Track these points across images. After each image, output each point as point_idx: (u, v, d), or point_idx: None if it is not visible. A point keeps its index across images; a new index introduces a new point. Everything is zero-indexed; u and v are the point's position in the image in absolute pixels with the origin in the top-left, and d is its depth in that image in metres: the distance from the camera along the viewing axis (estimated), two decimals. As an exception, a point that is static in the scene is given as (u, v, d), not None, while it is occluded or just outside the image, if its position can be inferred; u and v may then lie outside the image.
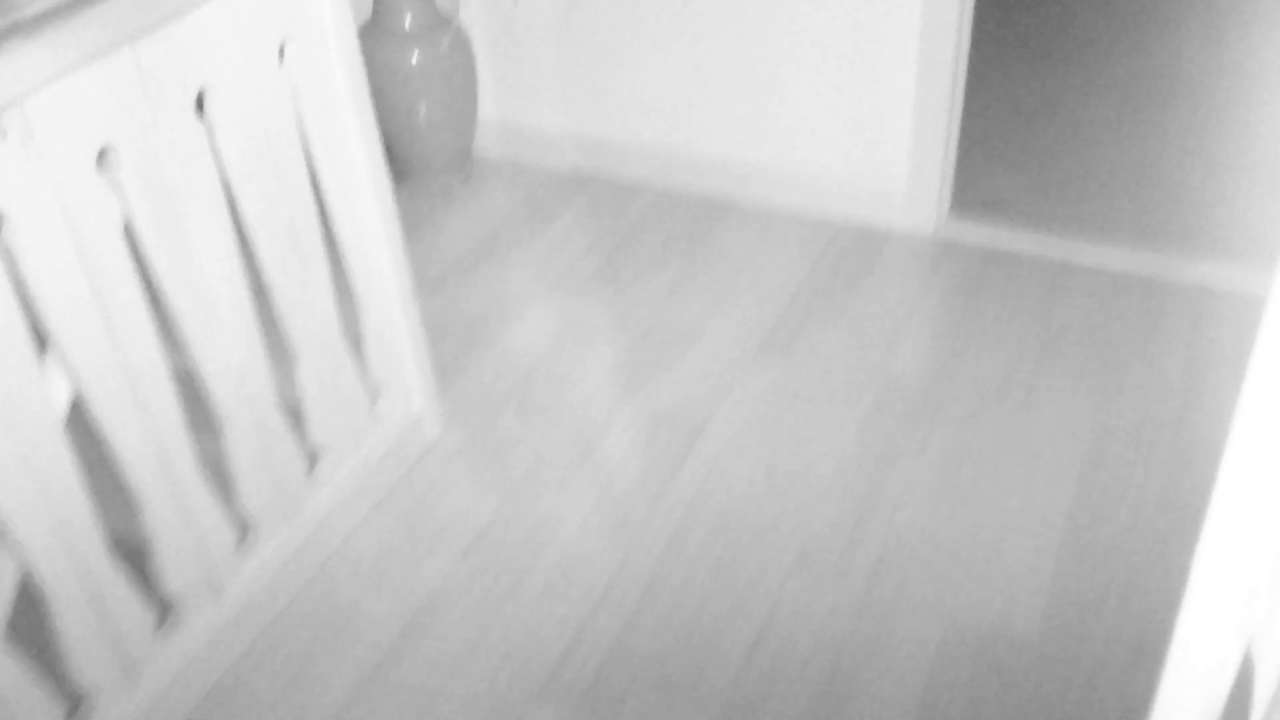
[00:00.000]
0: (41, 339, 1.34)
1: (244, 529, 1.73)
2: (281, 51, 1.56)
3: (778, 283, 2.46)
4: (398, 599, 1.80)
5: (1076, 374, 2.15)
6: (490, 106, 2.94)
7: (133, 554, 1.60)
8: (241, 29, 1.47)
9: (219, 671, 1.68)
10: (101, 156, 1.34)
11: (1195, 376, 2.13)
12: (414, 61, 2.62)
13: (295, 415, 1.83)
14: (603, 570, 1.82)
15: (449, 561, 1.86)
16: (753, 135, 2.68)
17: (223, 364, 1.58)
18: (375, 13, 2.64)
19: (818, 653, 1.67)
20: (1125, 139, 2.89)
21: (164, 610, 1.62)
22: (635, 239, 2.63)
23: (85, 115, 1.29)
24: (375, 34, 2.64)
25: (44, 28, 1.20)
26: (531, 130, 2.91)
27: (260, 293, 1.80)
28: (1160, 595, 1.72)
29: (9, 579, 1.41)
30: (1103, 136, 2.91)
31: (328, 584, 1.83)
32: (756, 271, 2.49)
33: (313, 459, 1.84)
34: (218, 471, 1.74)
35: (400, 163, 2.82)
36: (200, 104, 1.47)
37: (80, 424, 1.53)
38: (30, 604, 1.47)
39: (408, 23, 2.62)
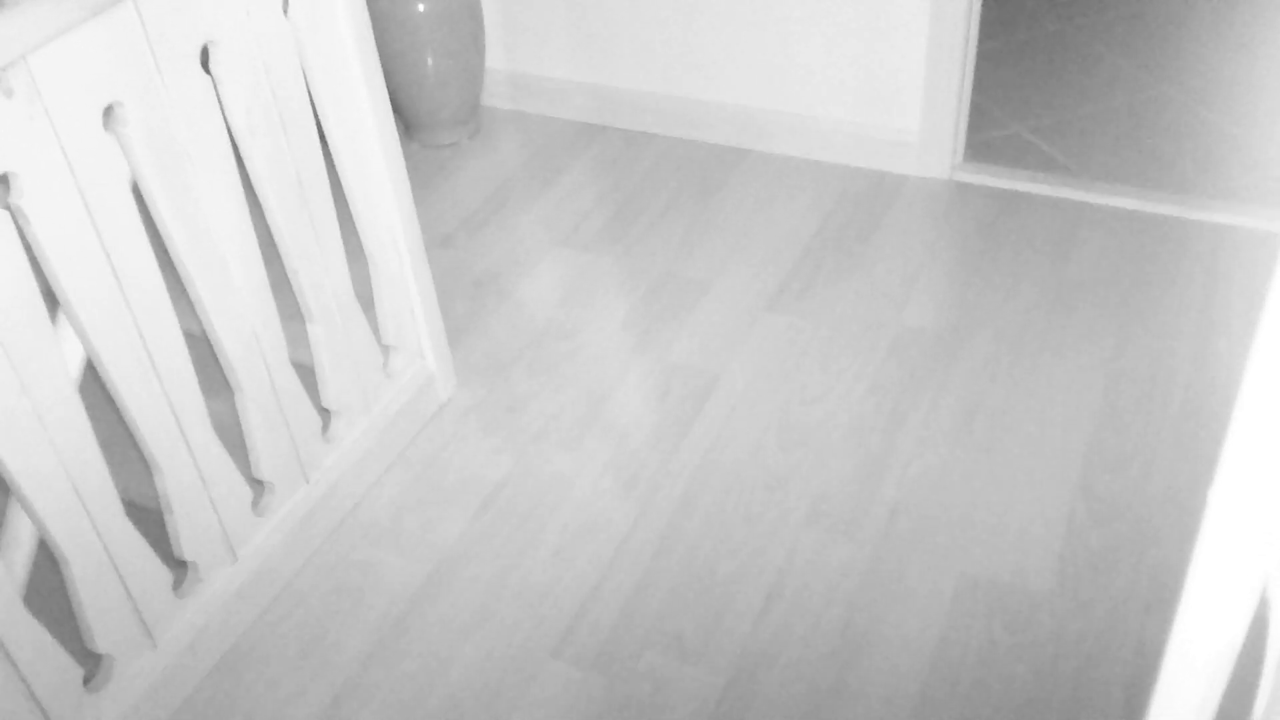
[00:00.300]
0: (54, 300, 1.32)
1: (259, 491, 1.73)
2: (286, 3, 1.53)
3: (790, 232, 2.43)
4: (412, 559, 1.80)
5: (1092, 318, 2.12)
6: (498, 56, 2.89)
7: (149, 517, 1.59)
8: (246, -19, 1.43)
9: (236, 633, 1.69)
10: (108, 113, 1.32)
11: (1213, 316, 2.10)
12: (420, 10, 2.58)
13: (308, 376, 1.81)
14: (616, 528, 1.82)
15: (463, 521, 1.85)
16: (764, 83, 2.63)
17: (234, 324, 1.56)
18: (378, -39, 2.59)
19: (830, 607, 1.67)
20: (1140, 79, 2.84)
21: (180, 572, 1.62)
22: (646, 190, 2.60)
23: (90, 72, 1.26)
24: (379, -17, 2.59)
25: (45, -17, 1.17)
26: (540, 80, 2.87)
27: (271, 252, 1.78)
28: (1174, 545, 1.72)
29: (27, 543, 1.41)
30: (1118, 77, 2.86)
31: (343, 545, 1.83)
32: (769, 221, 2.47)
33: (326, 420, 1.84)
34: (232, 433, 1.73)
35: (407, 116, 2.78)
36: (205, 60, 1.44)
37: (95, 387, 1.52)
38: (48, 567, 1.47)
39: (412, -29, 2.57)
